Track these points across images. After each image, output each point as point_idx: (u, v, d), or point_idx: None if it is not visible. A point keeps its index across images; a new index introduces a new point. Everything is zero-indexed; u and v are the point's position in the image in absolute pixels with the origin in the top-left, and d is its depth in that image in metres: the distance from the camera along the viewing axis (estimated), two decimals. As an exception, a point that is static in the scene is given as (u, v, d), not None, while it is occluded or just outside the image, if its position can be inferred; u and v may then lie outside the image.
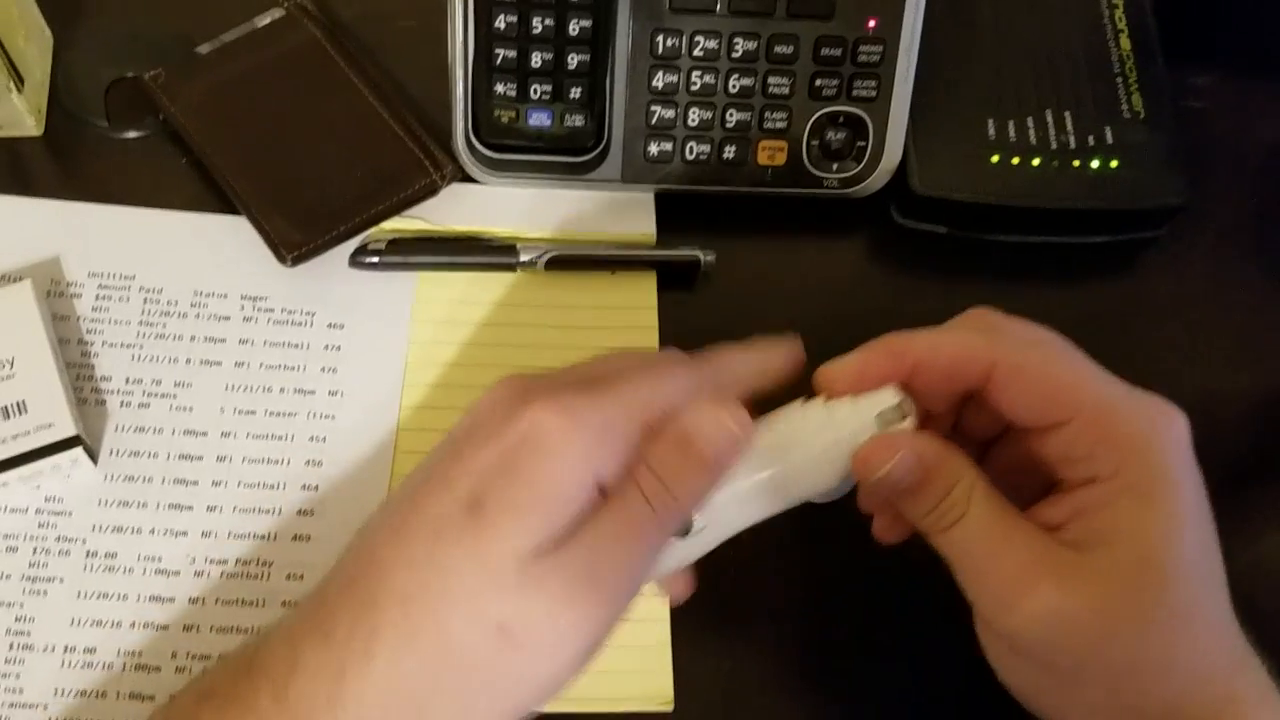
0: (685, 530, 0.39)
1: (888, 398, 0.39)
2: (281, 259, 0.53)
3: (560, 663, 0.36)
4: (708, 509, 0.39)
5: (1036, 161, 0.56)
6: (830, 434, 0.40)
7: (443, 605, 0.35)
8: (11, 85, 0.54)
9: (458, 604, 0.35)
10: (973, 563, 0.38)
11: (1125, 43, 0.60)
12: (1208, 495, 0.38)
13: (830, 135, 0.55)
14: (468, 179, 0.56)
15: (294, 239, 0.53)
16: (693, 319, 0.55)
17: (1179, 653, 0.36)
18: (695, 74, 0.54)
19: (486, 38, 0.52)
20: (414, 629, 0.35)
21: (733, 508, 0.40)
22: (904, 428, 0.39)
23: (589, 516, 0.36)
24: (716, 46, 0.53)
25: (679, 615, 0.49)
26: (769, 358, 0.42)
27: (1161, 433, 0.37)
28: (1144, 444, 0.37)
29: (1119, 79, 0.59)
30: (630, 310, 0.55)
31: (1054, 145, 0.57)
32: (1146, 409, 0.38)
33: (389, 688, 0.35)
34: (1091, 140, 0.57)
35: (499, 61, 0.53)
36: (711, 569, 0.50)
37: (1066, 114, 0.57)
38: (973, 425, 0.43)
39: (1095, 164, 0.57)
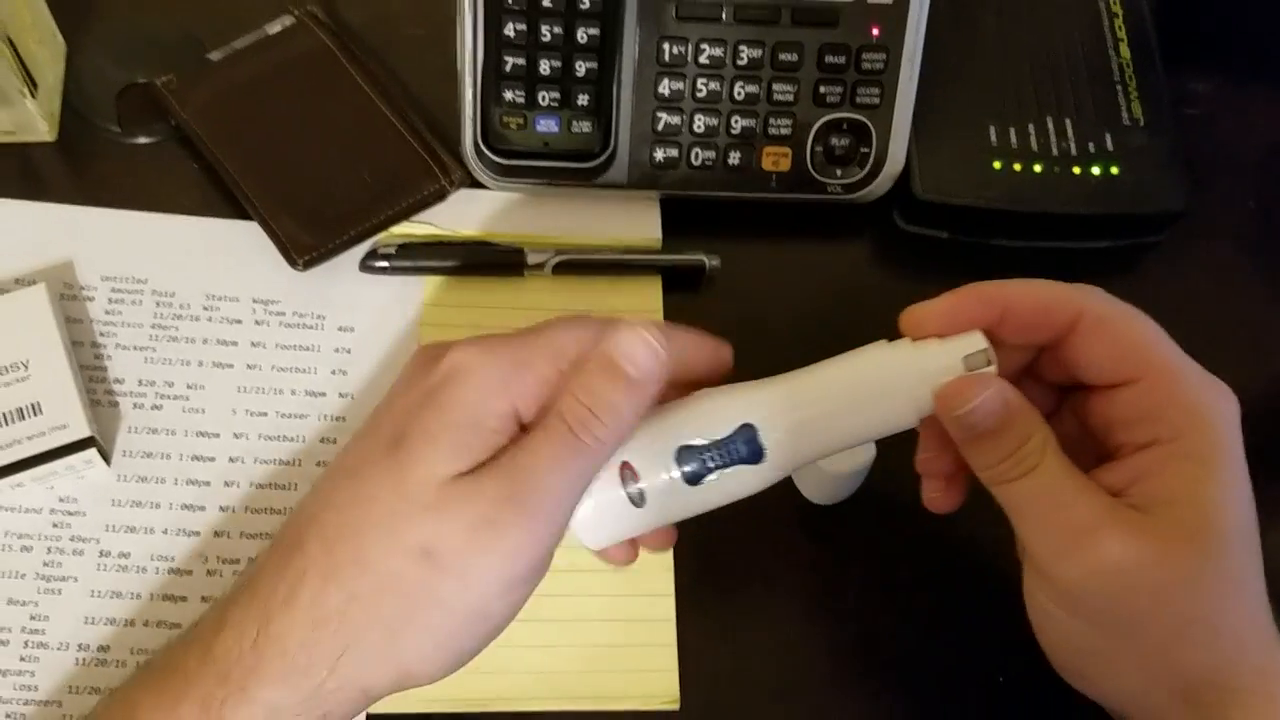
0: (638, 500, 0.39)
1: (976, 342, 0.39)
2: (292, 263, 0.54)
3: (487, 584, 0.36)
4: (778, 438, 0.39)
5: (1038, 167, 0.57)
6: (916, 369, 0.40)
7: (363, 535, 0.36)
8: (25, 90, 0.55)
9: (377, 531, 0.36)
10: (1040, 511, 0.38)
11: (1125, 50, 0.61)
12: None
13: (834, 141, 0.56)
14: (476, 184, 0.57)
15: (304, 243, 0.54)
16: (698, 323, 0.55)
17: (1227, 619, 0.37)
18: (701, 81, 0.54)
19: (495, 45, 0.53)
20: (335, 563, 0.36)
21: (804, 439, 0.40)
22: (988, 372, 0.39)
23: (513, 445, 0.37)
24: (722, 54, 0.54)
25: (685, 614, 0.50)
26: (699, 343, 0.42)
27: (1223, 407, 0.38)
28: (1207, 413, 0.38)
29: (1119, 86, 0.60)
30: (636, 314, 0.56)
31: (1055, 151, 0.57)
32: (1211, 383, 0.39)
33: (312, 624, 0.35)
34: (1092, 146, 0.58)
35: (508, 69, 0.53)
36: (718, 567, 0.51)
37: (1067, 121, 0.58)
38: (1044, 381, 0.43)
39: (1096, 170, 0.57)
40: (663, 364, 0.38)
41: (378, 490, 0.36)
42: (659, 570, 0.50)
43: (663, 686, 0.48)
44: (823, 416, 0.40)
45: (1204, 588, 0.37)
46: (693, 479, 0.39)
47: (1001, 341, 0.40)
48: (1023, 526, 0.39)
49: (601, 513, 0.40)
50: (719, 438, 0.39)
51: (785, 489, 0.51)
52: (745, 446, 0.39)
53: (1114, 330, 0.40)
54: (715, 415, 0.39)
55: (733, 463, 0.39)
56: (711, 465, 0.39)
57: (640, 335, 0.38)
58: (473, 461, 0.36)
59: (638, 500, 0.39)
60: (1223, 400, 0.39)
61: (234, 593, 0.38)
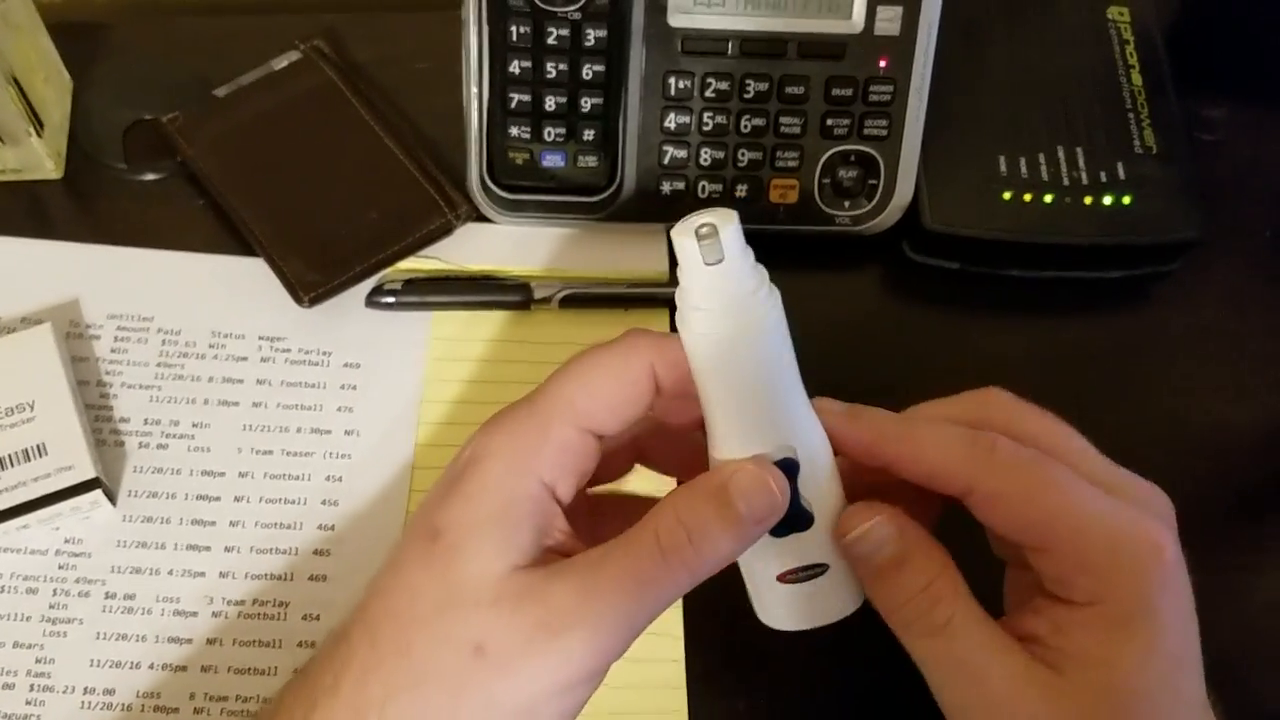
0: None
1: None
2: (298, 300, 0.54)
3: (540, 685, 0.34)
4: None
5: (1049, 198, 0.56)
6: None
7: (408, 628, 0.34)
8: (31, 129, 0.55)
9: (423, 624, 0.34)
10: (952, 677, 0.37)
11: (1137, 78, 0.60)
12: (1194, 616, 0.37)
13: (842, 173, 0.56)
14: (482, 219, 0.57)
15: (311, 280, 0.54)
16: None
17: None
18: (707, 114, 0.54)
19: (501, 81, 0.53)
20: (379, 655, 0.34)
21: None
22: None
23: (592, 551, 0.35)
24: (728, 87, 0.54)
25: (693, 655, 0.49)
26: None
27: (1141, 561, 0.36)
28: (1121, 575, 0.36)
29: (1131, 114, 0.59)
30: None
31: (1066, 181, 0.57)
32: (1128, 537, 0.36)
33: (353, 711, 0.34)
34: (1104, 176, 0.57)
35: (513, 105, 0.53)
36: (726, 607, 0.50)
37: (1078, 150, 0.58)
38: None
39: (1108, 200, 0.57)
40: (779, 513, 0.35)
41: (422, 583, 0.34)
42: (667, 610, 0.50)
43: (672, 728, 0.48)
44: None
45: None
46: None
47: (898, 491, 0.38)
48: (934, 684, 0.37)
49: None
50: None
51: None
52: None
53: (1008, 504, 0.36)
54: None
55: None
56: None
57: (763, 482, 0.34)
58: (521, 551, 0.34)
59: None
60: (1145, 549, 0.36)
61: (290, 681, 0.38)
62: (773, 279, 0.34)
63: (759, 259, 0.34)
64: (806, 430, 0.36)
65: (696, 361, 0.34)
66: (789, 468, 0.35)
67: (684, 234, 0.33)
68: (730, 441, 0.35)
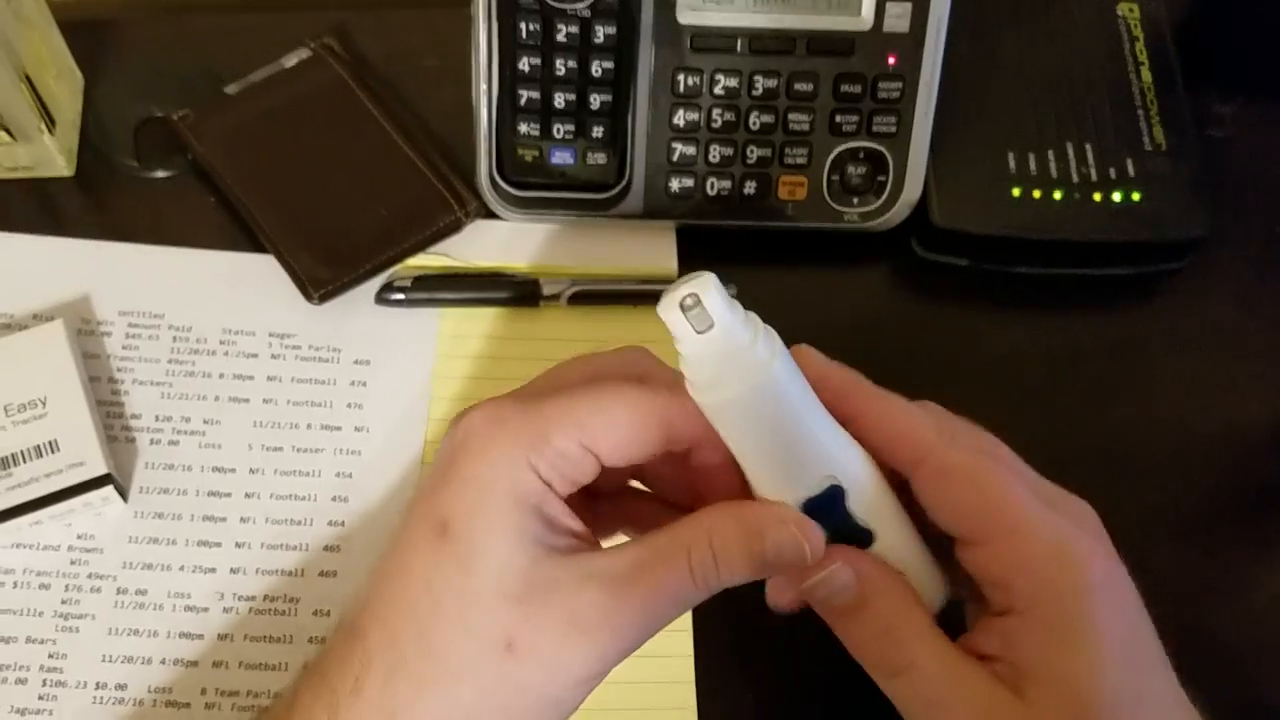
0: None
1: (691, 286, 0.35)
2: (309, 296, 0.54)
3: (570, 676, 0.35)
4: None
5: (1058, 194, 0.56)
6: None
7: (429, 626, 0.34)
8: (43, 126, 0.55)
9: (447, 621, 0.34)
10: (928, 712, 0.37)
11: (1146, 74, 0.60)
12: (1144, 605, 0.37)
13: (851, 170, 0.56)
14: (491, 215, 0.57)
15: (321, 276, 0.54)
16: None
17: None
18: (716, 111, 0.54)
19: (511, 79, 0.53)
20: (401, 655, 0.34)
21: None
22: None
23: (594, 546, 0.36)
24: (737, 84, 0.54)
25: (703, 650, 0.49)
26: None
27: (1075, 568, 0.36)
28: (1057, 581, 0.36)
29: (1140, 111, 0.59)
30: (653, 344, 0.55)
31: (1075, 178, 0.57)
32: (1062, 545, 0.36)
33: (383, 713, 0.34)
34: (1113, 173, 0.57)
35: (523, 102, 0.53)
36: (735, 603, 0.50)
37: (1088, 146, 0.58)
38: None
39: (1117, 196, 0.57)
40: (804, 564, 0.36)
41: (439, 578, 0.34)
42: (676, 605, 0.50)
43: (680, 724, 0.48)
44: None
45: None
46: None
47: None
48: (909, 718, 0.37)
49: None
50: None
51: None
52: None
53: (955, 483, 0.37)
54: None
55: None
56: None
57: (798, 541, 0.35)
58: (537, 542, 0.34)
59: None
60: (1075, 557, 0.36)
61: (303, 676, 0.37)
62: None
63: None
64: (843, 455, 0.36)
65: (717, 426, 0.35)
66: (834, 495, 0.36)
67: (669, 309, 0.33)
68: (769, 489, 0.36)
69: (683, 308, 0.33)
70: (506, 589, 0.34)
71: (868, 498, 0.37)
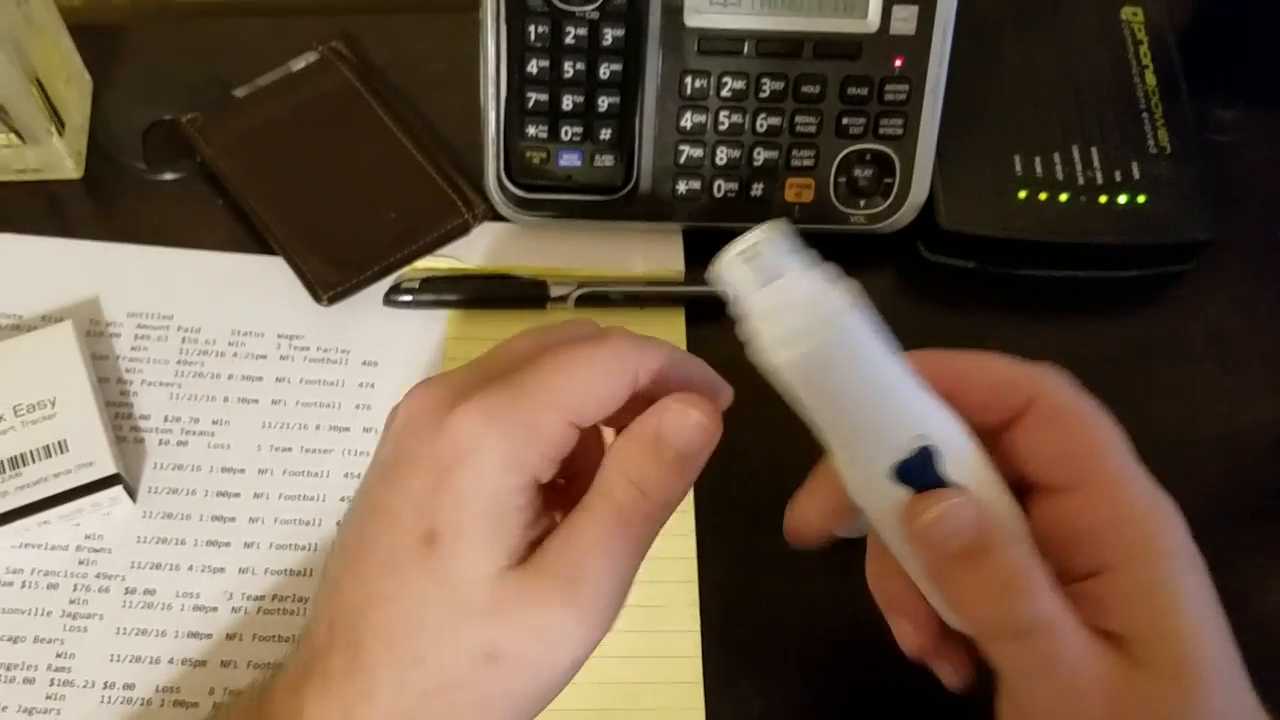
0: None
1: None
2: (317, 298, 0.54)
3: (553, 673, 0.35)
4: None
5: (1064, 197, 0.57)
6: None
7: (419, 638, 0.35)
8: (52, 128, 0.55)
9: (434, 633, 0.35)
10: (1049, 681, 0.33)
11: (1150, 78, 0.60)
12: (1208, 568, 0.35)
13: (857, 173, 0.56)
14: (499, 218, 0.57)
15: (329, 278, 0.54)
16: (721, 353, 0.55)
17: None
18: (723, 114, 0.54)
19: (519, 82, 0.53)
20: (399, 664, 0.35)
21: None
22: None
23: (556, 524, 0.36)
24: (744, 87, 0.54)
25: (710, 653, 0.49)
26: (702, 376, 0.39)
27: (1173, 525, 0.35)
28: (1153, 535, 0.34)
29: (1144, 114, 0.59)
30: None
31: (1081, 181, 0.57)
32: (1158, 497, 0.35)
33: (398, 717, 0.35)
34: (1118, 175, 0.57)
35: (530, 104, 0.54)
36: (744, 605, 0.50)
37: (1093, 149, 0.58)
38: None
39: (1122, 199, 0.57)
40: (714, 438, 0.36)
41: (425, 590, 0.35)
42: (683, 605, 0.50)
43: (689, 724, 0.48)
44: None
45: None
46: None
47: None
48: (1013, 690, 0.35)
49: None
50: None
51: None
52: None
53: (1064, 424, 0.35)
54: None
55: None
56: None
57: (691, 417, 0.35)
58: (511, 550, 0.35)
59: None
60: (1168, 518, 0.35)
61: (300, 671, 0.36)
62: None
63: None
64: (932, 414, 0.33)
65: (793, 388, 0.32)
66: (926, 457, 0.33)
67: (731, 265, 0.31)
68: (854, 453, 0.34)
69: (746, 257, 0.30)
70: (479, 603, 0.34)
71: (963, 461, 0.34)
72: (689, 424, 0.35)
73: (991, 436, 0.36)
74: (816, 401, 0.32)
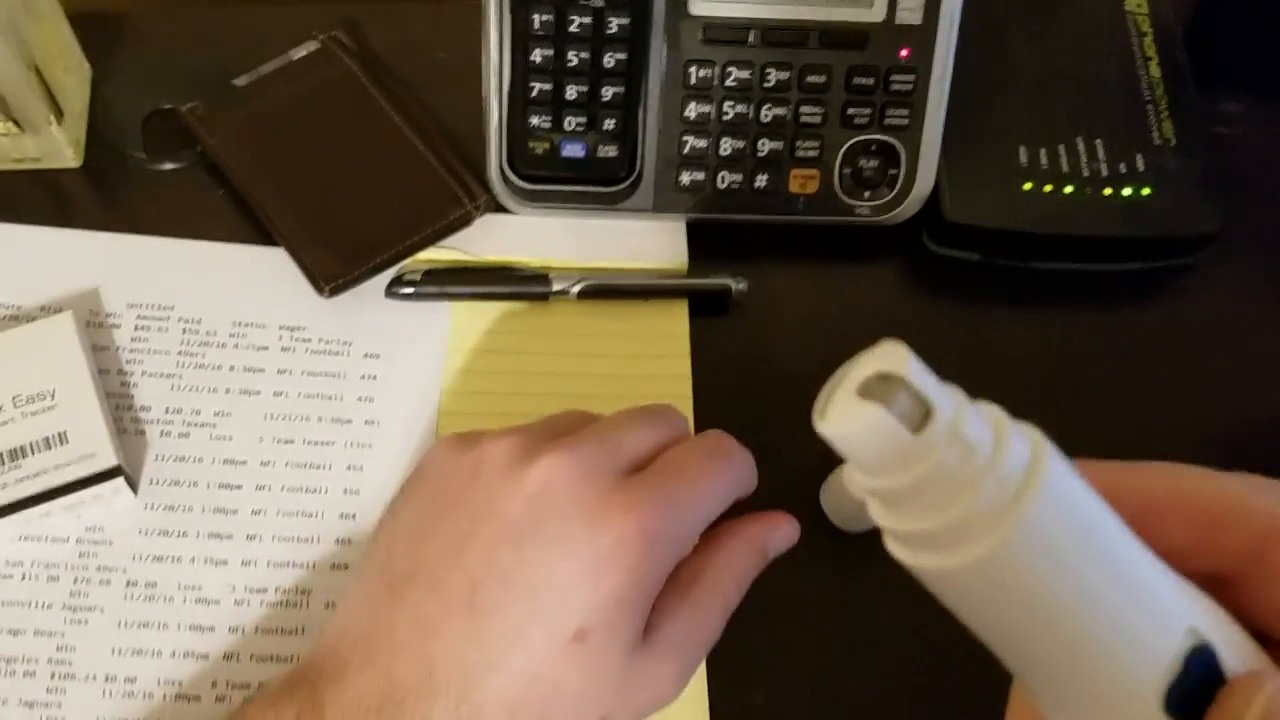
0: None
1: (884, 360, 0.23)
2: (319, 290, 0.54)
3: None
4: None
5: (1069, 189, 0.56)
6: None
7: (550, 713, 0.39)
8: (51, 117, 0.55)
9: (565, 710, 0.39)
10: None
11: (1155, 70, 0.60)
12: None
13: (862, 163, 0.55)
14: (501, 209, 0.57)
15: (331, 270, 0.54)
16: (725, 346, 0.56)
17: None
18: (728, 104, 0.54)
19: (522, 71, 0.53)
20: None
21: None
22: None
23: (676, 626, 0.41)
24: (749, 76, 0.54)
25: (715, 648, 0.49)
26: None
27: None
28: None
29: (1149, 106, 0.59)
30: (663, 338, 0.56)
31: (1086, 173, 0.57)
32: None
33: None
34: (1123, 168, 0.57)
35: (534, 94, 0.53)
36: (749, 602, 0.50)
37: (1098, 142, 0.57)
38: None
39: (1127, 192, 0.57)
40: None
41: (563, 675, 0.39)
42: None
43: None
44: None
45: None
46: None
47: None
48: None
49: None
50: None
51: (814, 521, 0.51)
52: None
53: None
54: None
55: None
56: None
57: (794, 536, 0.46)
58: (639, 636, 0.40)
59: None
60: None
61: (370, 708, 0.39)
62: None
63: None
64: (1183, 598, 0.24)
65: (968, 602, 0.23)
66: (1205, 657, 0.24)
67: (848, 408, 0.20)
68: (1093, 682, 0.23)
69: (873, 394, 0.20)
70: (618, 681, 0.39)
71: (1234, 645, 0.24)
72: (789, 540, 0.46)
73: (1209, 585, 0.27)
74: (1014, 613, 0.22)
